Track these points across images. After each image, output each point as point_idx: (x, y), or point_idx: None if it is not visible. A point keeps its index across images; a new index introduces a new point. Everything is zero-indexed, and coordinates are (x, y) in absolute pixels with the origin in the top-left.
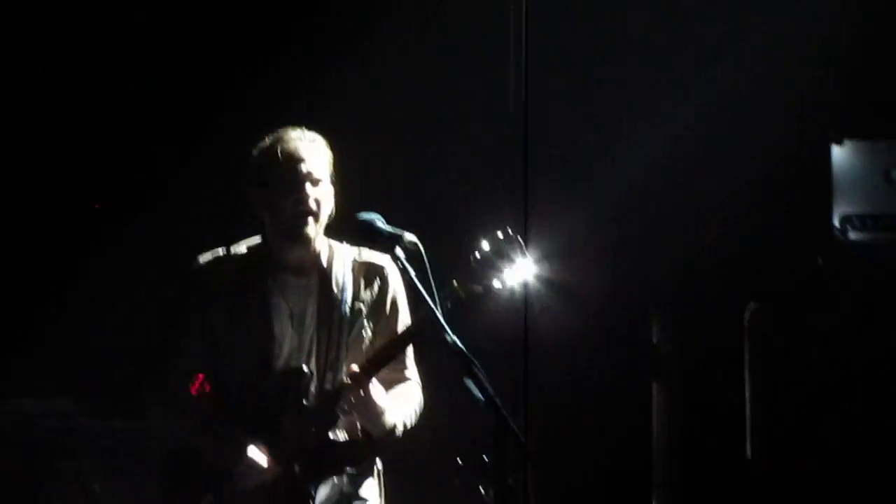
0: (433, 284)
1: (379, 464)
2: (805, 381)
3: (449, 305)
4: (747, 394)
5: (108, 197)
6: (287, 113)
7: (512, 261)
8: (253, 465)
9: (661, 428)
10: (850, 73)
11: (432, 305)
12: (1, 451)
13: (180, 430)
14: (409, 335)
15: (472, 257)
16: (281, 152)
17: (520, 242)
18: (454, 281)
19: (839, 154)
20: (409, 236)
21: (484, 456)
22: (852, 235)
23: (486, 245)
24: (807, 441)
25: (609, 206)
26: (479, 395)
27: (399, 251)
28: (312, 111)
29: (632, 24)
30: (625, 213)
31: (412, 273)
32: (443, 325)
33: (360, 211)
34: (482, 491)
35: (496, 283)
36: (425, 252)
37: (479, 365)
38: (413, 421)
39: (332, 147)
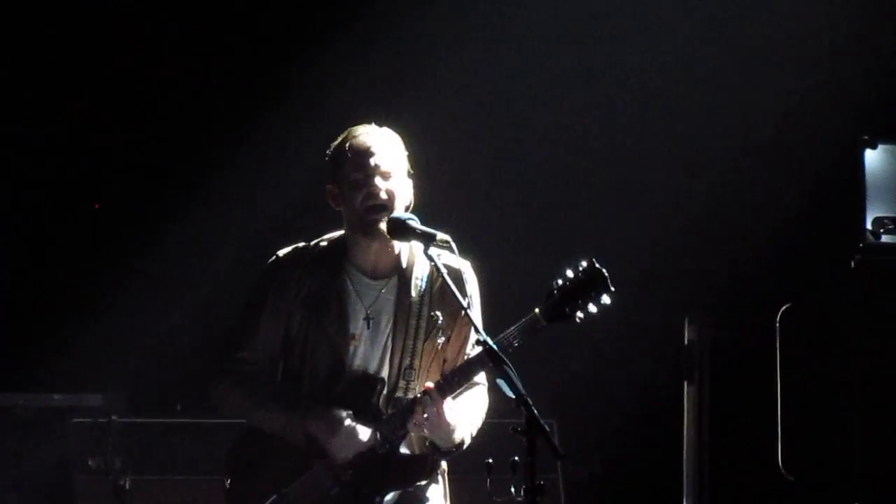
0: (466, 283)
1: (443, 464)
2: (837, 383)
3: (532, 332)
4: (779, 395)
5: (150, 196)
6: (367, 109)
7: (597, 293)
8: (351, 433)
9: (692, 429)
10: (884, 77)
11: (462, 303)
12: (34, 445)
13: (256, 411)
14: (489, 357)
15: (554, 285)
16: (350, 147)
17: (604, 275)
18: (536, 309)
19: (872, 157)
20: (442, 235)
21: (515, 456)
22: (885, 238)
23: (569, 274)
24: (838, 444)
25: (642, 207)
26: (511, 394)
27: (432, 250)
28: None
29: (664, 24)
30: (657, 216)
31: (444, 272)
32: (475, 325)
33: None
34: (512, 490)
35: (579, 315)
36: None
37: (510, 364)
38: (478, 427)
39: (408, 143)
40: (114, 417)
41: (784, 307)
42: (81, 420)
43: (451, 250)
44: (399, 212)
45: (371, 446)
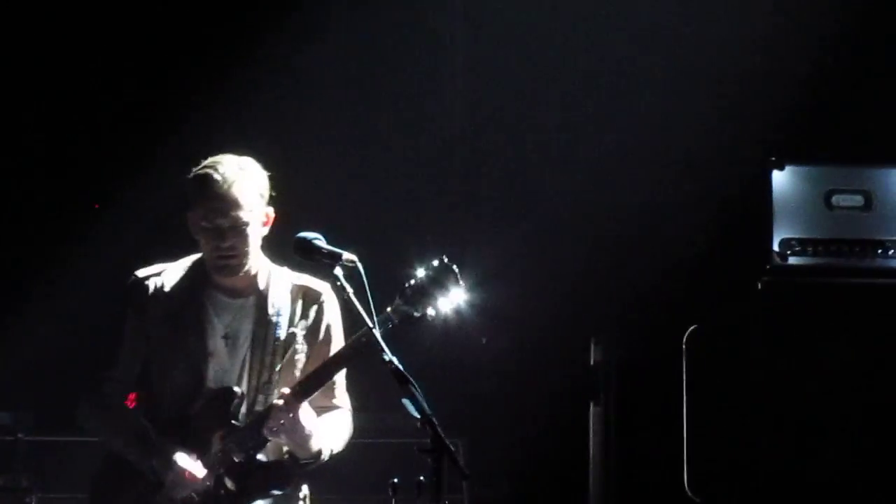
0: (371, 303)
1: (305, 489)
2: (743, 405)
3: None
4: (685, 417)
5: (53, 211)
6: (228, 127)
7: (446, 289)
8: (183, 473)
9: (598, 450)
10: (791, 99)
11: (371, 324)
12: None
13: (113, 439)
14: (341, 360)
15: (406, 284)
16: (201, 193)
17: (454, 271)
18: (388, 308)
19: (780, 178)
20: (349, 255)
21: (420, 476)
22: (792, 259)
23: (420, 273)
24: (744, 467)
25: (547, 229)
26: (417, 414)
27: (338, 270)
28: (254, 127)
29: (571, 46)
30: (563, 237)
31: (350, 292)
32: (381, 345)
33: (299, 229)
34: None
35: (430, 312)
36: (365, 272)
37: (416, 384)
38: (341, 447)
39: (272, 166)
40: (20, 435)
41: (691, 328)
42: None
43: (356, 270)
44: (254, 247)
45: (207, 484)
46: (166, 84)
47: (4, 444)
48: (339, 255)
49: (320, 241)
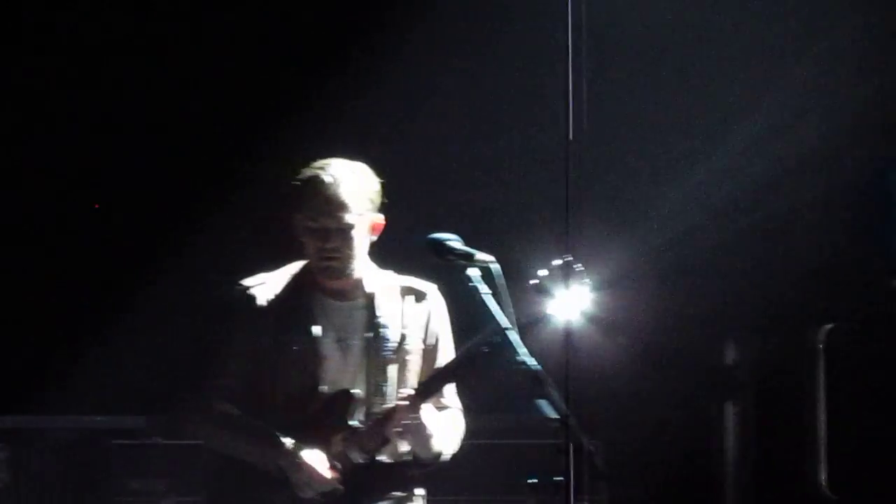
0: (508, 304)
1: (422, 490)
2: (880, 403)
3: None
4: (821, 417)
5: (179, 218)
6: (337, 133)
7: (571, 290)
8: (312, 473)
9: (734, 450)
10: None
11: (507, 325)
12: (74, 468)
13: (231, 442)
14: (469, 361)
15: (529, 284)
16: (310, 192)
17: (577, 270)
18: (511, 309)
19: None
20: (483, 255)
21: (556, 476)
22: None
23: (543, 272)
24: (882, 466)
25: (678, 228)
26: (552, 416)
27: (471, 270)
28: (366, 133)
29: (692, 45)
30: (695, 235)
31: (483, 292)
32: (516, 346)
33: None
34: None
35: (551, 312)
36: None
37: (553, 384)
38: (457, 446)
39: (382, 172)
40: (156, 439)
41: (827, 327)
42: (123, 442)
43: (490, 270)
44: (362, 251)
45: (334, 485)
46: (268, 90)
47: (140, 448)
48: (472, 255)
49: (454, 242)
